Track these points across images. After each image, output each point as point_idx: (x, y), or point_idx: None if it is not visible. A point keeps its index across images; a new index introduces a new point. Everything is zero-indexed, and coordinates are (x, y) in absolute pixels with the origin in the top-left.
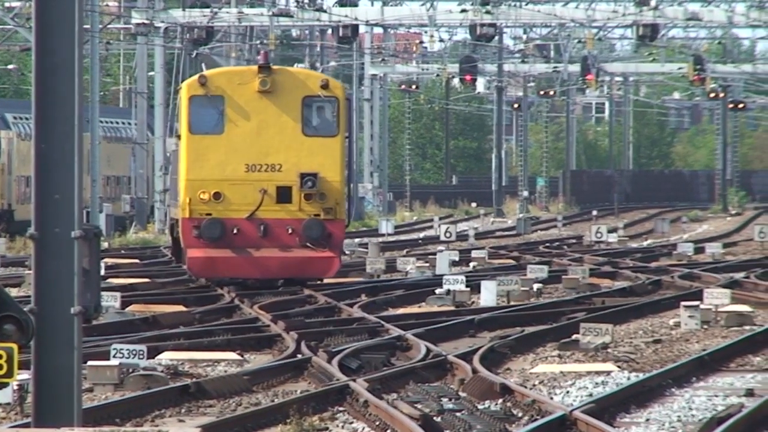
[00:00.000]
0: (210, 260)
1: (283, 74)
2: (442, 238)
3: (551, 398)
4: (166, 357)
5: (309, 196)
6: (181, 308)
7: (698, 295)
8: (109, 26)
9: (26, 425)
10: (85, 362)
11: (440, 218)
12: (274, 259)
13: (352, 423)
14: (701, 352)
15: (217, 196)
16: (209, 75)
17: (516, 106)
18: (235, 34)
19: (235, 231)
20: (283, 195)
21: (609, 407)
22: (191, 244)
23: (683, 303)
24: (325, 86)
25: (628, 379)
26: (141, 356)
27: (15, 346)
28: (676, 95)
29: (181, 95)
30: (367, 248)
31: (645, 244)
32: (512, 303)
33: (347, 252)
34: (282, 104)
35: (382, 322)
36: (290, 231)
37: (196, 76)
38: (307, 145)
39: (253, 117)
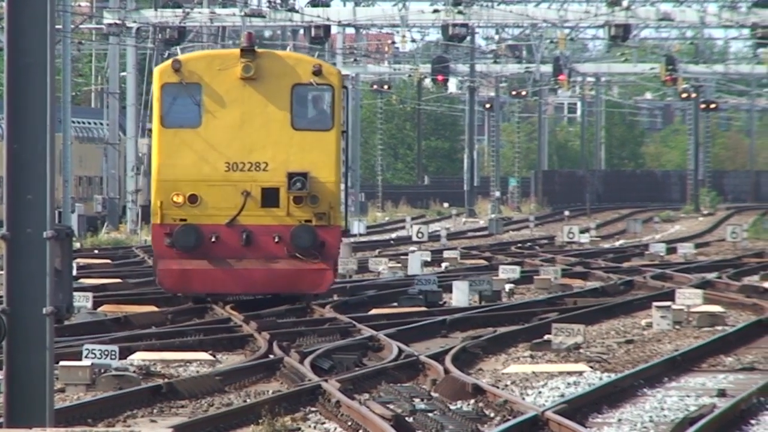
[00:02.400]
0: (184, 273)
1: (269, 59)
2: (414, 238)
3: (523, 398)
4: (138, 357)
5: (299, 199)
6: (153, 308)
7: (670, 296)
8: (81, 26)
9: None
10: (57, 362)
11: (412, 219)
12: (258, 271)
13: (324, 423)
14: (673, 352)
15: (192, 199)
16: (184, 59)
17: (488, 106)
18: (207, 34)
19: (213, 239)
20: (269, 198)
21: (581, 407)
22: (163, 255)
23: (655, 303)
24: (317, 72)
25: (600, 379)
26: (113, 356)
27: None
28: (648, 95)
29: (153, 83)
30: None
31: (617, 244)
32: (484, 303)
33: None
34: (268, 93)
35: (354, 323)
36: (277, 239)
37: (169, 61)
38: (297, 141)
39: (235, 108)
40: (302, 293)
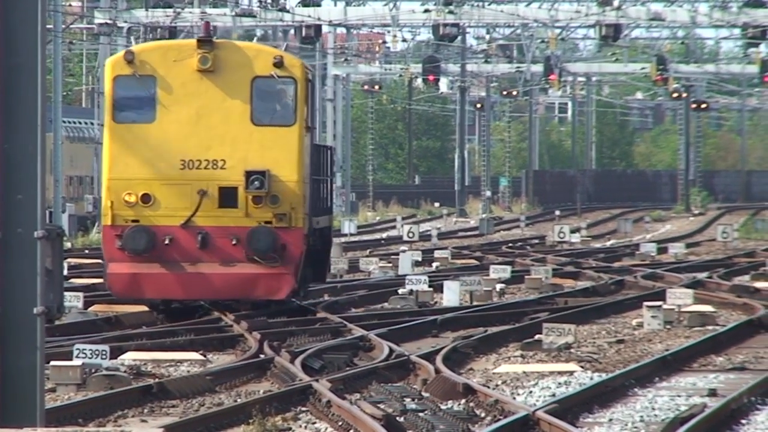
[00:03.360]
0: (134, 278)
1: (228, 50)
2: (405, 238)
3: (514, 398)
4: (129, 357)
5: (258, 198)
6: (143, 308)
7: (661, 295)
8: (72, 26)
9: None
10: (48, 362)
11: (403, 218)
12: (214, 276)
13: (314, 423)
14: (664, 352)
15: (145, 198)
16: (138, 50)
17: (479, 106)
18: (197, 34)
19: (166, 241)
20: (227, 198)
21: (572, 407)
22: (113, 257)
23: (646, 303)
24: (279, 64)
25: (591, 379)
26: (104, 356)
27: None
28: (639, 95)
29: (105, 75)
30: None
31: (608, 244)
32: (475, 303)
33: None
34: (227, 86)
35: (345, 322)
36: (235, 242)
37: (121, 52)
38: (257, 137)
39: (192, 102)
40: (260, 299)
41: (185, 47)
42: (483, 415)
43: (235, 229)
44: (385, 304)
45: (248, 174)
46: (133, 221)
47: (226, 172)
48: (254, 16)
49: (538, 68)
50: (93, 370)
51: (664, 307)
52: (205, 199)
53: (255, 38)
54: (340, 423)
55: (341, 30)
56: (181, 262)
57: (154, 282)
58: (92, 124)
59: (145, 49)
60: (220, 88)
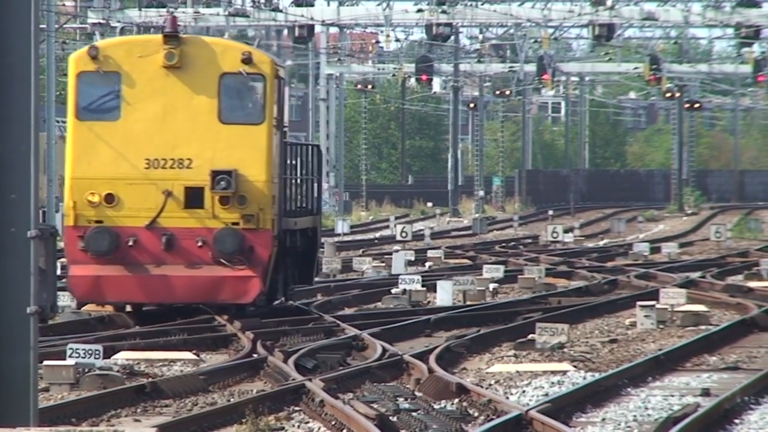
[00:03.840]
0: (96, 280)
1: (195, 45)
2: (398, 237)
3: (507, 398)
4: (122, 357)
5: (225, 199)
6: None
7: (654, 295)
8: (65, 26)
9: None
10: (41, 362)
11: (396, 218)
12: (179, 278)
13: (308, 423)
14: (657, 351)
15: (109, 198)
16: (102, 46)
17: (472, 105)
18: (191, 33)
19: (130, 243)
20: (194, 198)
21: (565, 407)
22: (75, 259)
23: (639, 303)
24: (247, 60)
25: (584, 378)
26: (97, 356)
27: None
28: (632, 95)
29: (69, 71)
30: (323, 248)
31: (601, 243)
32: (468, 303)
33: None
34: (194, 83)
35: (338, 322)
36: (201, 243)
37: (85, 48)
38: (224, 136)
39: (157, 99)
40: (226, 303)
41: (151, 43)
42: (476, 414)
43: (201, 231)
44: (378, 304)
45: (214, 174)
46: (97, 222)
47: (192, 172)
48: (247, 16)
49: (531, 68)
50: (86, 370)
51: (658, 306)
52: (171, 199)
53: (226, 34)
54: (333, 422)
55: (334, 30)
56: (146, 264)
57: (117, 285)
58: None
59: (109, 44)
60: (187, 85)
